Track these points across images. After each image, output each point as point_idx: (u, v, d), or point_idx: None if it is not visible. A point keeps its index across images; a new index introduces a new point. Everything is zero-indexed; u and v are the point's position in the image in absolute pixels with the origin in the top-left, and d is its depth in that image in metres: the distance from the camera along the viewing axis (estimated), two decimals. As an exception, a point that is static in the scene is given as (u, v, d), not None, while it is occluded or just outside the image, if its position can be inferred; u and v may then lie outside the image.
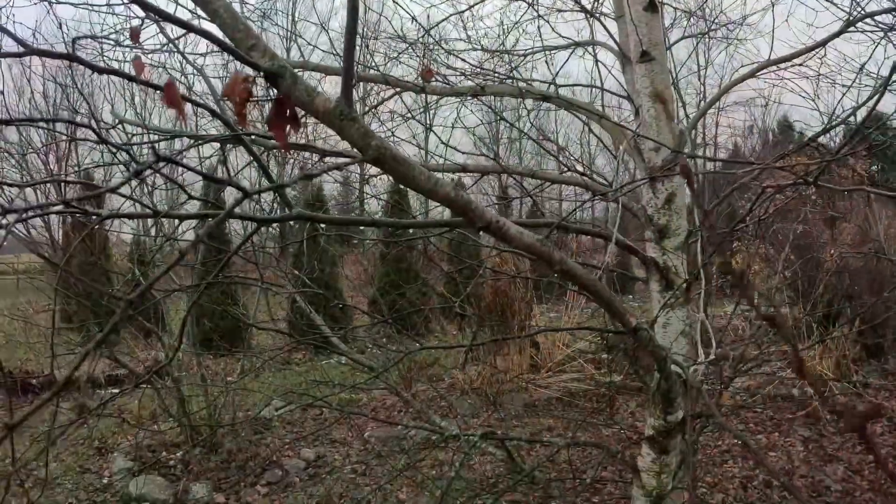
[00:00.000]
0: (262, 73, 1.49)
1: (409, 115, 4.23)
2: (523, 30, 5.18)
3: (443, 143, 3.59)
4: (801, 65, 3.73)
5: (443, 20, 5.12)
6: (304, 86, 1.57)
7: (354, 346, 12.58)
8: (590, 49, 4.47)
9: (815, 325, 11.12)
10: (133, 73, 1.59)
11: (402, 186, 16.46)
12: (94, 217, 1.87)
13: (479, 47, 4.97)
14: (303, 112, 1.56)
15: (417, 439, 8.60)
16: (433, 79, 3.44)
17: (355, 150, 1.60)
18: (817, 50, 3.55)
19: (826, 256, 11.31)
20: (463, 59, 4.58)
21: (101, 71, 1.55)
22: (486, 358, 11.25)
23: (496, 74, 3.99)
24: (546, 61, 4.59)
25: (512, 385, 10.86)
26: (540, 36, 5.00)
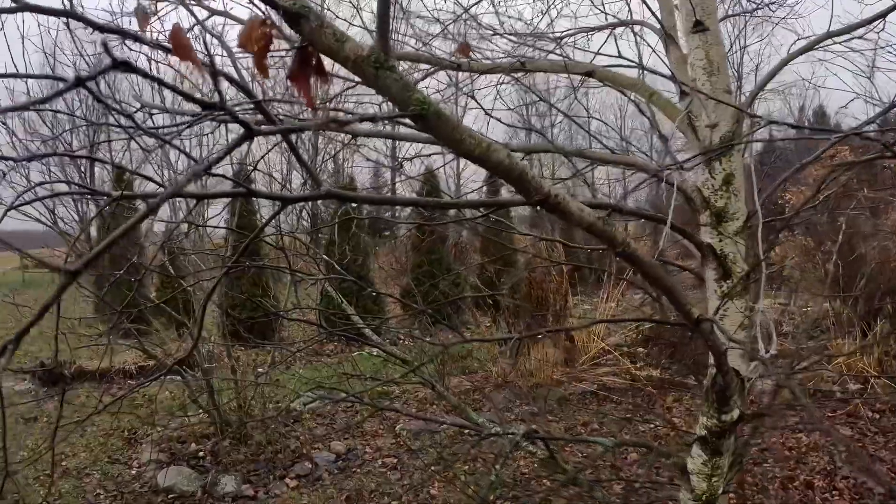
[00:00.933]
0: (281, 13, 1.30)
1: (444, 94, 4.03)
2: (558, 11, 4.95)
3: (485, 111, 3.37)
4: (860, 38, 3.46)
5: (478, 2, 4.90)
6: (332, 29, 1.36)
7: (387, 338, 12.42)
8: (631, 29, 4.25)
9: (857, 320, 10.74)
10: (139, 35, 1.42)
11: (433, 174, 16.30)
12: (106, 197, 1.71)
13: (513, 32, 4.77)
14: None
15: (450, 433, 8.43)
16: (471, 55, 3.24)
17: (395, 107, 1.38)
18: (877, 22, 3.31)
19: (869, 248, 10.97)
20: (496, 45, 4.39)
21: (101, 29, 1.36)
22: (521, 350, 11.04)
23: (537, 48, 3.78)
24: (586, 42, 4.39)
25: (546, 379, 10.64)
26: (575, 17, 4.79)
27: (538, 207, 1.58)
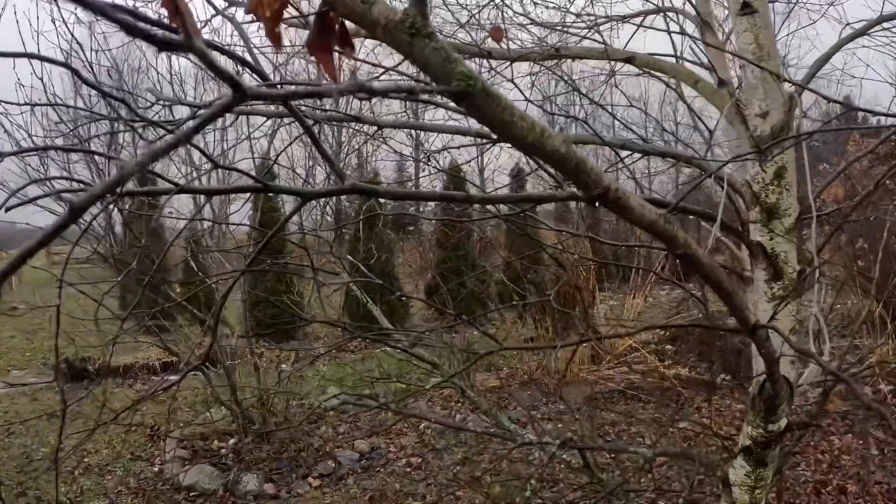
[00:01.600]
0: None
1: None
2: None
3: (526, 98, 3.19)
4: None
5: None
6: (358, -13, 1.15)
7: (411, 337, 12.30)
8: (665, 16, 4.06)
9: (889, 319, 10.43)
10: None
11: (460, 169, 16.16)
12: (112, 195, 1.58)
13: (538, 23, 4.59)
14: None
15: (471, 427, 8.29)
16: (503, 40, 3.06)
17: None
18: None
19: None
20: (525, 34, 4.23)
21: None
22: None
23: (569, 32, 3.61)
24: (617, 31, 4.22)
25: (573, 377, 10.45)
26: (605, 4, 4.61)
27: (596, 203, 1.41)
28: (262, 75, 1.50)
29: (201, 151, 1.57)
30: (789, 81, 2.70)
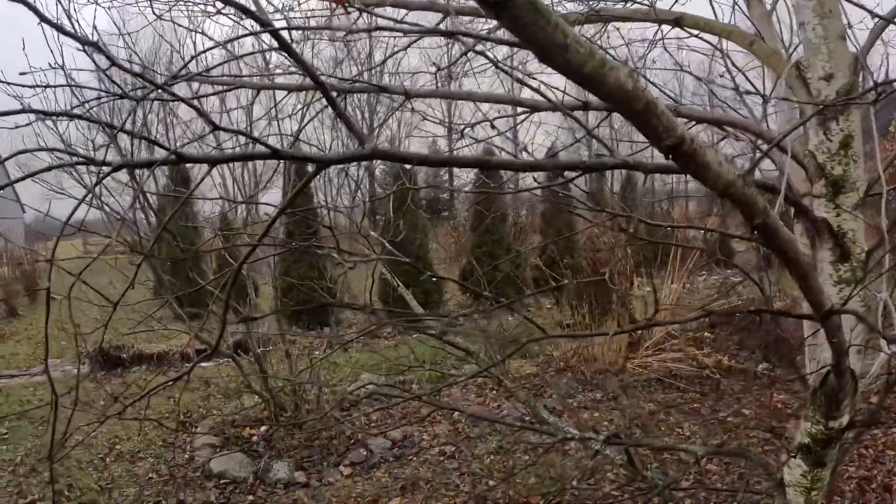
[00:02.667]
0: None
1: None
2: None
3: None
4: None
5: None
6: None
7: (443, 322, 12.13)
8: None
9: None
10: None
11: (492, 150, 15.90)
12: (104, 167, 1.43)
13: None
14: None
15: (509, 420, 8.12)
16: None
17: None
18: None
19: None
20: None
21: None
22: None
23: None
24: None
25: (609, 364, 10.23)
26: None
27: (669, 155, 1.20)
28: (264, 21, 1.33)
29: (197, 110, 1.40)
30: (847, 59, 2.45)
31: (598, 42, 3.47)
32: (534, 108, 2.89)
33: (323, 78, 3.44)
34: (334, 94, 3.53)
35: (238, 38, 3.21)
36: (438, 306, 13.95)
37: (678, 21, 2.81)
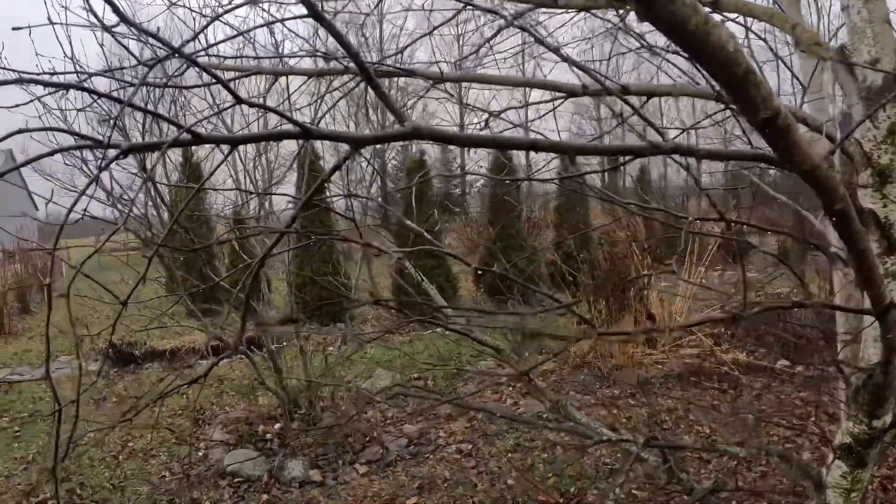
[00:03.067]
0: None
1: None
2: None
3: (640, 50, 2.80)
4: None
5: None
6: None
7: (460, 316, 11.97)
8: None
9: None
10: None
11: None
12: (110, 151, 1.31)
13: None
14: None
15: (527, 417, 7.99)
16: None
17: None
18: None
19: None
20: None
21: None
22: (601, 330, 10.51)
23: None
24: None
25: (627, 360, 10.09)
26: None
27: (764, 129, 1.08)
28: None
29: (219, 80, 1.28)
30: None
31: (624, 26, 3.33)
32: (571, 92, 2.76)
33: (345, 60, 3.31)
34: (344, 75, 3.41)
35: (258, 27, 3.09)
36: (451, 301, 13.80)
37: (715, 3, 2.66)
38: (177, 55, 1.32)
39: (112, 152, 1.32)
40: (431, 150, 34.13)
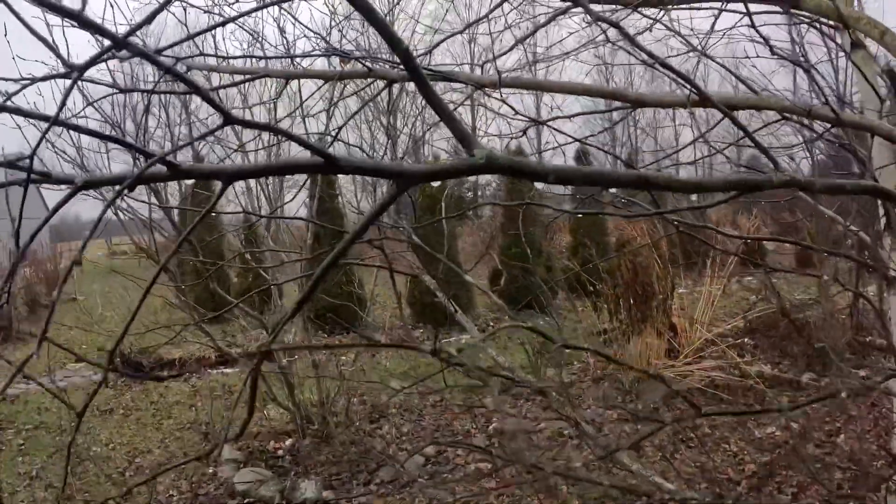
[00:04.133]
0: None
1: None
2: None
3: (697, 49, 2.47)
4: None
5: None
6: None
7: (476, 325, 11.71)
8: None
9: None
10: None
11: (522, 150, 15.41)
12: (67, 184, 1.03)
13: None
14: None
15: (547, 434, 7.71)
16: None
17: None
18: None
19: None
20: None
21: None
22: (621, 340, 10.21)
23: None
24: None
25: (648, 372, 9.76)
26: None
27: None
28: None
29: (197, 91, 0.98)
30: None
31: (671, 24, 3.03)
32: (638, 103, 2.49)
33: (377, 64, 3.03)
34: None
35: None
36: (468, 310, 13.51)
37: (795, 6, 2.36)
38: (120, 51, 1.03)
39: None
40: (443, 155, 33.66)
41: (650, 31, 3.28)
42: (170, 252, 2.22)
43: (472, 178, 35.83)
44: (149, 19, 1.30)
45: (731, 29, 3.49)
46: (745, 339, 11.10)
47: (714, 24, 4.06)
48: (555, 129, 2.84)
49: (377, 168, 0.96)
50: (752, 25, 2.29)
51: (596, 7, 3.57)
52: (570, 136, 2.95)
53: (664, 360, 10.13)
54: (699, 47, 3.16)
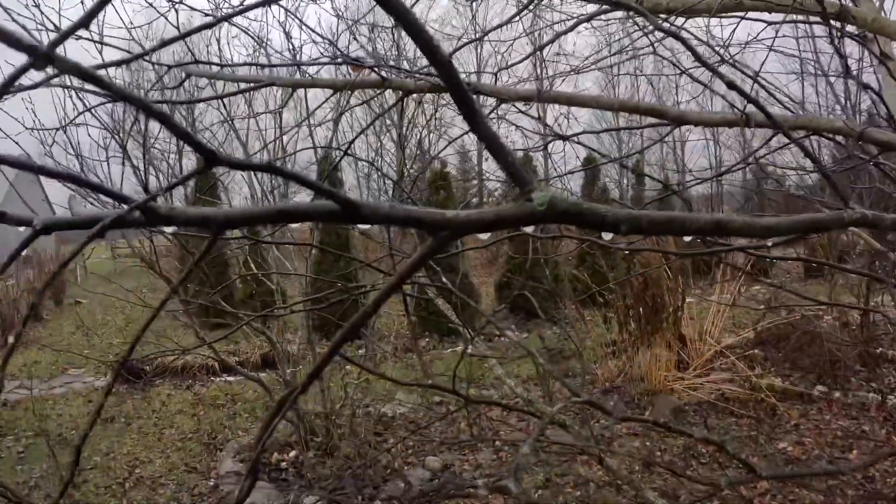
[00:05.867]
0: None
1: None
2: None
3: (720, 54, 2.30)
4: None
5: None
6: None
7: (481, 336, 11.58)
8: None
9: None
10: None
11: (529, 156, 15.23)
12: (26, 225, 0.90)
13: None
14: None
15: (556, 448, 7.54)
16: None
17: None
18: None
19: None
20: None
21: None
22: (630, 352, 10.05)
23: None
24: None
25: (658, 385, 9.61)
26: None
27: None
28: None
29: (188, 140, 0.80)
30: None
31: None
32: (679, 120, 2.35)
33: (384, 70, 2.88)
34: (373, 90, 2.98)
35: None
36: (473, 319, 13.34)
37: (841, 15, 2.21)
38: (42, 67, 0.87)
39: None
40: (451, 162, 33.46)
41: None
42: (173, 263, 2.08)
43: (475, 181, 35.49)
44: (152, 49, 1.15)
45: (754, 40, 3.36)
46: (756, 351, 10.95)
47: (733, 32, 3.92)
48: (582, 144, 2.70)
49: (411, 217, 0.80)
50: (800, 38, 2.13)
51: (594, 14, 3.45)
52: (591, 148, 2.82)
53: (674, 372, 9.98)
54: (726, 58, 3.02)
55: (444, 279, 3.01)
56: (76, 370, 12.05)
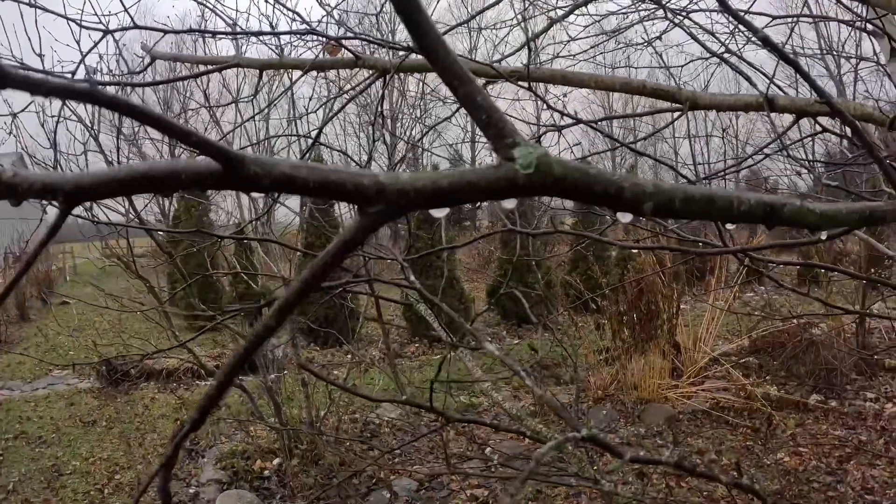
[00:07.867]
0: None
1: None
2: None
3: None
4: None
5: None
6: None
7: (472, 340, 11.35)
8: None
9: None
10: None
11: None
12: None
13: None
14: None
15: (550, 458, 7.35)
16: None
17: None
18: None
19: None
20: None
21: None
22: (623, 360, 9.86)
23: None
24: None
25: (652, 393, 9.44)
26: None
27: None
28: None
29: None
30: None
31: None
32: (691, 103, 2.17)
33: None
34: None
35: None
36: (462, 326, 13.17)
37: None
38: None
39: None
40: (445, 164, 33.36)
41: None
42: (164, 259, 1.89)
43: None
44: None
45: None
46: (751, 359, 10.81)
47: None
48: (600, 130, 2.51)
49: (327, 182, 0.56)
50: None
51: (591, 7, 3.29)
52: (616, 139, 2.64)
53: (667, 379, 9.81)
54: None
55: (412, 279, 2.79)
56: (60, 372, 11.82)
